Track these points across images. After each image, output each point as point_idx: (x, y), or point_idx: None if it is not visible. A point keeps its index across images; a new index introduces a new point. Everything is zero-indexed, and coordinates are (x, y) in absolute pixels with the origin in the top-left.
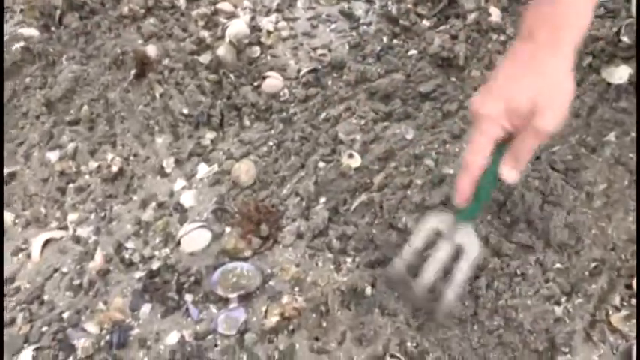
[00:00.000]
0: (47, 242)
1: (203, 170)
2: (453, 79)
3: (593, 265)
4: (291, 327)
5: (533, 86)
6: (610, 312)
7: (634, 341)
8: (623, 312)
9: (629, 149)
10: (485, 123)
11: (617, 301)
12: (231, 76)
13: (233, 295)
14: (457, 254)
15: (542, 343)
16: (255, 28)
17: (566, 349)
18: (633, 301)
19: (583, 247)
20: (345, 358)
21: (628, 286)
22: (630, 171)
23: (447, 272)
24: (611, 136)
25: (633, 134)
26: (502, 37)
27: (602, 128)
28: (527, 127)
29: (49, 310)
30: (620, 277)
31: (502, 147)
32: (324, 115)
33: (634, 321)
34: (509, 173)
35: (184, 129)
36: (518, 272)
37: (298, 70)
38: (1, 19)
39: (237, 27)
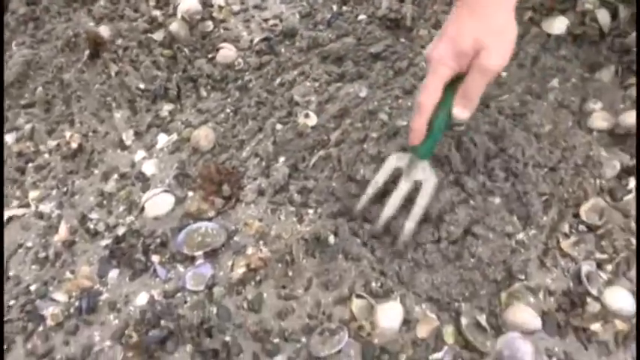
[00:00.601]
0: (9, 221)
1: (163, 140)
2: (402, 39)
3: (544, 199)
4: (258, 278)
5: (478, 28)
6: (560, 239)
7: (583, 263)
8: (572, 238)
9: (572, 93)
10: (436, 65)
11: (566, 229)
12: (186, 50)
13: (199, 253)
14: (417, 189)
15: (500, 273)
16: (206, 4)
17: (522, 276)
18: (581, 227)
19: (534, 183)
20: (313, 302)
21: (575, 215)
22: (573, 112)
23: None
24: (555, 82)
25: (574, 79)
26: None
27: (546, 75)
28: (474, 66)
29: (15, 285)
30: (568, 207)
31: (453, 88)
32: (278, 80)
33: (582, 246)
34: (461, 112)
35: (142, 103)
36: (475, 213)
37: (251, 41)
38: (1, 20)
39: (189, 3)
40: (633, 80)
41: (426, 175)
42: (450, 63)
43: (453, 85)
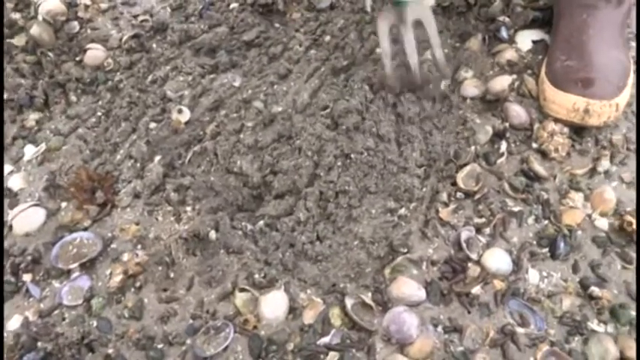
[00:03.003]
0: None
1: (30, 151)
2: (277, 24)
3: (421, 170)
4: (138, 284)
5: None
6: (440, 209)
7: (462, 229)
8: (451, 206)
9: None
10: None
11: (445, 197)
12: (51, 54)
13: (74, 265)
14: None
15: (382, 249)
16: (71, 4)
17: (405, 250)
18: (459, 194)
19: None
20: (195, 301)
21: (453, 184)
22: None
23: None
24: (427, 54)
25: (446, 50)
26: None
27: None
28: None
29: None
30: (445, 177)
31: None
32: (150, 77)
33: (461, 212)
34: None
35: (6, 114)
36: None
37: (120, 39)
38: (1, 20)
39: (51, 4)
40: (500, 47)
41: (419, 11)
42: None
43: None
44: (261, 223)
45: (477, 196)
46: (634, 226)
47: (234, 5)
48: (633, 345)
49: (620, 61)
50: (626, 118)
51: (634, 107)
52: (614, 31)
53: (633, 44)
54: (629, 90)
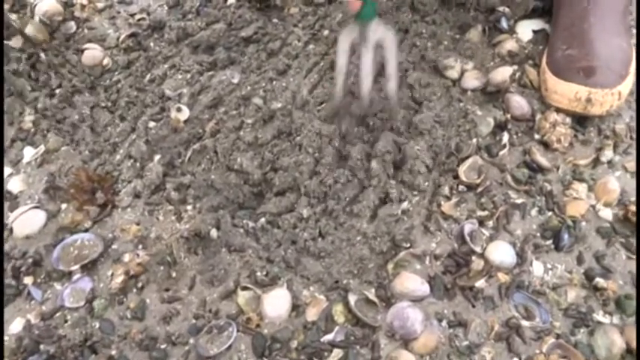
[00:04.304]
0: None
1: (29, 153)
2: (274, 19)
3: (424, 164)
4: (140, 284)
5: None
6: (442, 202)
7: (465, 222)
8: (454, 199)
9: (444, 56)
10: None
11: (447, 191)
12: (49, 54)
13: (76, 267)
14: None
15: (385, 244)
16: (67, 4)
17: (407, 244)
18: (461, 187)
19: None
20: (198, 300)
21: (455, 177)
22: (446, 76)
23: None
24: (429, 47)
25: (446, 42)
26: None
27: (420, 40)
28: None
29: None
30: (447, 170)
31: None
32: (148, 76)
33: (464, 205)
34: None
35: (4, 116)
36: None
37: (118, 38)
38: (1, 21)
39: (47, 4)
40: (500, 38)
41: (381, 32)
42: None
43: None
44: (263, 220)
45: (480, 189)
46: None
47: (231, 1)
48: None
49: (622, 49)
50: (630, 107)
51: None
52: (616, 19)
53: (634, 31)
54: (631, 78)
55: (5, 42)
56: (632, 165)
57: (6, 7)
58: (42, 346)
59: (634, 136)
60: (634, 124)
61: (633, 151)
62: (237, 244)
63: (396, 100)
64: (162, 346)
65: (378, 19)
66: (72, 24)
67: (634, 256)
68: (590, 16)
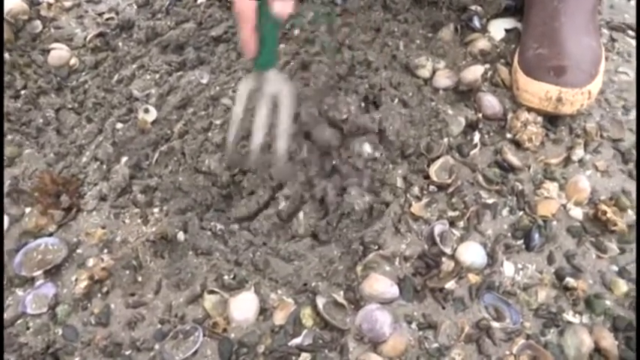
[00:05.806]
0: None
1: None
2: None
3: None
4: (104, 289)
5: None
6: (413, 203)
7: (435, 223)
8: (424, 200)
9: (416, 55)
10: None
11: (417, 191)
12: (14, 54)
13: (38, 273)
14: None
15: (355, 246)
16: (33, 3)
17: (376, 247)
18: (432, 188)
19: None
20: (164, 305)
21: (426, 177)
22: (417, 75)
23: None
24: (400, 46)
25: (418, 41)
26: None
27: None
28: None
29: None
30: (418, 171)
31: None
32: (116, 77)
33: (434, 206)
34: (280, 6)
35: None
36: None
37: (85, 38)
38: (1, 21)
39: (12, 3)
40: (472, 36)
41: (277, 85)
42: None
43: None
44: (233, 226)
45: (451, 189)
46: (608, 215)
47: (201, 0)
48: (607, 335)
49: (592, 48)
50: (600, 106)
51: (607, 94)
52: (586, 18)
53: (605, 31)
54: (601, 77)
55: None
56: (602, 164)
57: None
58: (3, 355)
59: (604, 135)
60: (604, 122)
61: (603, 149)
62: (205, 247)
63: (285, 159)
64: (127, 352)
65: (275, 69)
66: (38, 23)
67: (604, 255)
68: (560, 15)
